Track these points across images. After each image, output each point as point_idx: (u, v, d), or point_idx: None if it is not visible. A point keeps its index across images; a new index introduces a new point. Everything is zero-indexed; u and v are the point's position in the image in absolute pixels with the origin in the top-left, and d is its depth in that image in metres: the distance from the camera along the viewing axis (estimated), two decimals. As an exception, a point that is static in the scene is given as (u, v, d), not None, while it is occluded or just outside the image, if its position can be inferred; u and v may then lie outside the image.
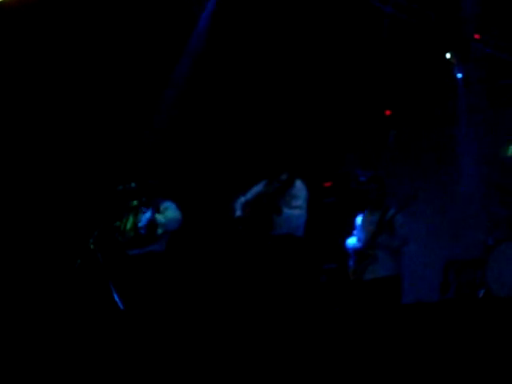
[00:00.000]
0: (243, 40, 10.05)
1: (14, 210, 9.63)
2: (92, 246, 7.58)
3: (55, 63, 9.77)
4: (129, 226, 8.11)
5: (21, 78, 9.68)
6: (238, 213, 7.89)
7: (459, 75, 10.13)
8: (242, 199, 7.98)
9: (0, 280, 8.92)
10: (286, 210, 7.63)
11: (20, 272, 9.30)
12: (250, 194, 8.00)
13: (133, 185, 8.17)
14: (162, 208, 8.17)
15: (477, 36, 9.70)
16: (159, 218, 8.05)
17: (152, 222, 7.98)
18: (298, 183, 7.85)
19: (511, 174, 7.77)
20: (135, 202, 8.23)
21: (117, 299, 7.60)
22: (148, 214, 8.04)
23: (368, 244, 8.38)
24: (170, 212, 8.17)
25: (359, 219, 8.75)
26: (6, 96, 9.65)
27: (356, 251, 8.50)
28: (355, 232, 8.74)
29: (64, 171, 10.00)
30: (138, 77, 10.10)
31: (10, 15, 9.10)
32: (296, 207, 7.69)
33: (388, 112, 10.73)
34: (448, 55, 9.92)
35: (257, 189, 8.01)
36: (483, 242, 8.46)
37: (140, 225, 8.03)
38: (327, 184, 10.72)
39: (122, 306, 7.58)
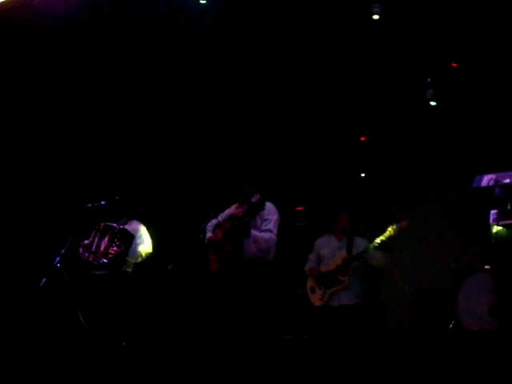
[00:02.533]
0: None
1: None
2: (58, 265, 7.49)
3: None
4: (102, 248, 8.07)
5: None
6: (209, 234, 7.84)
7: (433, 103, 10.14)
8: (214, 221, 7.94)
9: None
10: (256, 233, 7.58)
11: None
12: (221, 217, 7.96)
13: (102, 203, 8.12)
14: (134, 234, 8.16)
15: (454, 64, 9.74)
16: (130, 254, 8.06)
17: (122, 255, 7.97)
18: (269, 206, 7.82)
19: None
20: (114, 224, 8.19)
21: (81, 318, 7.52)
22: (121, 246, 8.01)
23: (339, 269, 8.35)
24: (142, 244, 8.18)
25: (321, 243, 8.70)
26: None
27: (325, 276, 8.44)
28: (313, 256, 8.68)
29: (33, 188, 9.91)
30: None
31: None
32: (267, 231, 7.64)
33: (363, 138, 10.74)
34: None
35: (228, 211, 7.97)
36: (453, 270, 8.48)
37: (109, 255, 7.99)
38: (299, 208, 10.70)
39: (86, 326, 7.50)
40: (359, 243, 8.37)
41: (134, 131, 10.35)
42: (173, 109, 10.30)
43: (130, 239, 8.15)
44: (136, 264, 8.31)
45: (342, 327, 8.27)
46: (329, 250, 8.58)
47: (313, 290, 8.54)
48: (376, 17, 9.01)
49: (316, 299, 8.48)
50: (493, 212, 7.67)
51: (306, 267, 8.71)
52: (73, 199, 9.20)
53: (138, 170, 10.17)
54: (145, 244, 8.27)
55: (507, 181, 7.55)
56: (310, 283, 8.58)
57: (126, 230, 8.19)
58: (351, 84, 10.15)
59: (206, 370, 6.83)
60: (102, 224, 8.25)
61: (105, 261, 8.00)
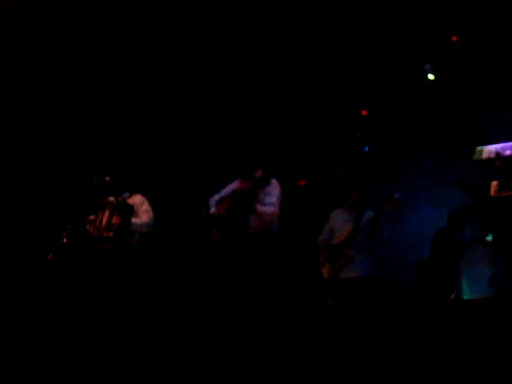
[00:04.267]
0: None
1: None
2: (65, 240, 7.54)
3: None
4: (104, 222, 8.08)
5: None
6: (213, 209, 7.89)
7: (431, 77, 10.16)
8: (216, 196, 7.99)
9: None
10: (260, 207, 7.64)
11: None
12: (224, 192, 8.01)
13: (107, 178, 8.15)
14: (134, 207, 8.18)
15: (454, 38, 9.74)
16: (135, 221, 8.08)
17: (125, 227, 8.00)
18: (273, 180, 7.87)
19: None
20: (112, 199, 8.22)
21: (89, 293, 7.57)
22: (121, 218, 8.04)
23: (345, 243, 8.42)
24: (144, 217, 8.20)
25: (333, 216, 8.77)
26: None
27: (332, 250, 8.52)
28: (327, 228, 8.75)
29: (37, 164, 9.94)
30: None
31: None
32: (269, 204, 7.70)
33: (364, 112, 10.74)
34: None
35: (231, 186, 8.02)
36: None
37: (114, 225, 8.02)
38: (301, 182, 10.73)
39: (93, 300, 7.56)
40: (367, 217, 8.44)
41: (135, 107, 10.38)
42: (175, 86, 10.32)
43: (130, 211, 8.14)
44: (140, 237, 8.32)
45: (348, 300, 8.36)
46: (338, 222, 8.65)
47: (323, 264, 8.63)
48: None
49: (325, 272, 8.57)
50: (494, 184, 7.75)
51: (319, 238, 8.78)
52: (78, 175, 9.23)
53: (142, 144, 10.19)
54: (147, 217, 8.28)
55: (508, 153, 7.62)
56: (321, 256, 8.67)
57: (124, 202, 8.19)
58: (352, 58, 10.17)
59: (211, 350, 6.90)
60: (103, 199, 8.27)
61: (110, 234, 8.02)
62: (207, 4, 9.40)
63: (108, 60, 9.98)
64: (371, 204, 8.69)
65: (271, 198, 7.76)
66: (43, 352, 6.41)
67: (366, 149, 10.81)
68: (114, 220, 8.01)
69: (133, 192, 8.46)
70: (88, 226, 8.17)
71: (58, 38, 9.57)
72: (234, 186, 8.03)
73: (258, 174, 7.92)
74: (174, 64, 10.16)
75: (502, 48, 9.55)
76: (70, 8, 9.10)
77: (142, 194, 8.48)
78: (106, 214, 8.09)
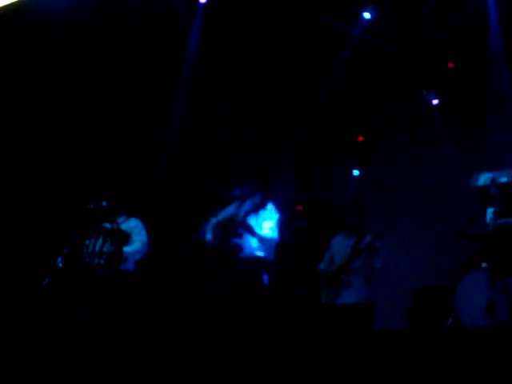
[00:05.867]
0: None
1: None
2: (60, 265, 7.53)
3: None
4: (97, 249, 8.08)
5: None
6: (209, 235, 7.88)
7: (435, 101, 10.19)
8: (213, 221, 7.98)
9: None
10: (258, 232, 7.63)
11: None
12: (221, 216, 8.00)
13: (104, 203, 8.14)
14: (128, 232, 8.16)
15: (450, 65, 9.78)
16: (126, 249, 8.07)
17: (116, 255, 7.99)
18: (270, 206, 7.86)
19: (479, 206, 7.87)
20: (107, 225, 8.21)
21: (84, 319, 7.55)
22: (113, 246, 8.04)
23: (342, 268, 8.41)
24: (137, 243, 8.18)
25: (333, 242, 8.77)
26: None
27: (329, 275, 8.52)
28: (328, 255, 8.76)
29: (35, 188, 9.94)
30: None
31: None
32: (267, 229, 7.69)
33: (361, 138, 10.76)
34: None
35: (228, 210, 8.01)
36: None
37: (105, 254, 8.01)
38: (298, 207, 10.73)
39: (88, 326, 7.53)
40: (366, 242, 8.43)
41: (133, 130, 10.39)
42: (173, 108, 10.35)
43: (124, 238, 8.14)
44: (136, 263, 8.32)
45: (343, 326, 8.34)
46: (337, 248, 8.66)
47: (322, 289, 8.62)
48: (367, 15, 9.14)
49: (323, 298, 8.56)
50: (490, 210, 7.74)
51: (318, 267, 8.78)
52: (75, 200, 9.23)
53: (140, 168, 10.21)
54: (141, 242, 8.27)
55: (504, 179, 7.62)
56: (321, 282, 8.66)
57: (118, 229, 8.18)
58: (350, 85, 10.23)
59: (206, 368, 6.87)
60: (97, 225, 8.27)
61: (101, 261, 8.02)
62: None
63: (110, 84, 10.01)
64: (370, 229, 8.69)
65: (270, 223, 7.76)
66: (39, 377, 6.39)
67: (357, 172, 10.82)
68: (106, 247, 8.01)
69: (130, 215, 8.46)
70: (83, 252, 8.16)
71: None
72: (231, 210, 8.02)
73: (256, 198, 7.92)
74: (168, 88, 10.19)
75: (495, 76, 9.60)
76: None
77: (139, 217, 8.48)
78: (100, 240, 8.09)
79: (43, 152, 10.04)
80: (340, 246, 8.68)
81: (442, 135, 10.14)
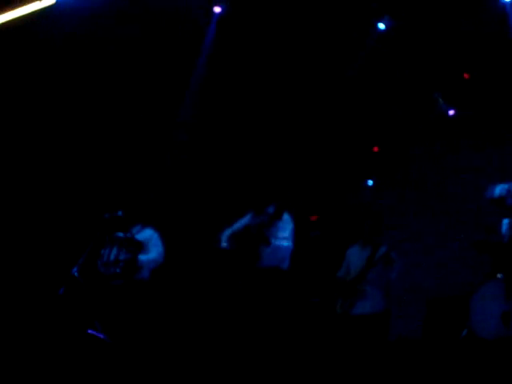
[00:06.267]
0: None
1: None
2: (76, 274, 7.56)
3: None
4: (112, 258, 8.11)
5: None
6: (224, 244, 7.90)
7: (451, 112, 10.18)
8: (229, 231, 8.00)
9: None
10: (273, 242, 7.64)
11: (4, 297, 9.25)
12: (236, 226, 8.01)
13: (119, 213, 8.18)
14: (144, 243, 8.19)
15: (466, 75, 9.77)
16: (142, 258, 8.09)
17: (132, 263, 8.02)
18: (285, 215, 7.87)
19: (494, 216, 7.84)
20: (121, 234, 8.24)
21: (99, 327, 7.57)
22: (128, 255, 8.06)
23: (357, 278, 8.41)
24: (152, 252, 8.21)
25: (349, 252, 8.77)
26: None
27: (345, 285, 8.51)
28: (344, 265, 8.76)
29: (52, 198, 9.99)
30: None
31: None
32: (282, 239, 7.71)
33: (376, 148, 10.76)
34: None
35: (243, 220, 8.03)
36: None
37: (120, 263, 8.04)
38: (313, 217, 10.72)
39: (104, 335, 7.55)
40: (381, 252, 8.42)
41: (150, 140, 10.43)
42: (190, 120, 10.39)
43: (138, 247, 8.18)
44: (152, 271, 8.33)
45: (358, 336, 8.32)
46: (353, 258, 8.65)
47: (337, 299, 8.61)
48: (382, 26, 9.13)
49: (339, 308, 8.55)
50: (506, 221, 7.72)
51: (337, 275, 8.78)
52: (91, 210, 9.27)
53: (156, 178, 10.23)
54: (157, 252, 8.30)
55: (520, 191, 7.61)
56: (336, 292, 8.65)
57: (132, 238, 8.21)
58: (365, 96, 10.22)
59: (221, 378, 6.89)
60: (111, 235, 8.30)
61: (116, 270, 8.05)
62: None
63: (120, 93, 10.05)
64: (385, 239, 8.69)
65: (285, 232, 7.78)
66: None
67: (371, 182, 10.80)
68: (122, 256, 8.04)
69: (145, 225, 8.49)
70: (98, 261, 8.20)
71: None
72: (246, 220, 8.04)
73: (271, 208, 7.94)
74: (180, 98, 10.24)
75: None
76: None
77: (154, 227, 8.50)
78: (114, 250, 8.12)
79: (61, 162, 10.09)
80: (355, 256, 8.67)
81: (458, 146, 10.12)
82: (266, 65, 9.98)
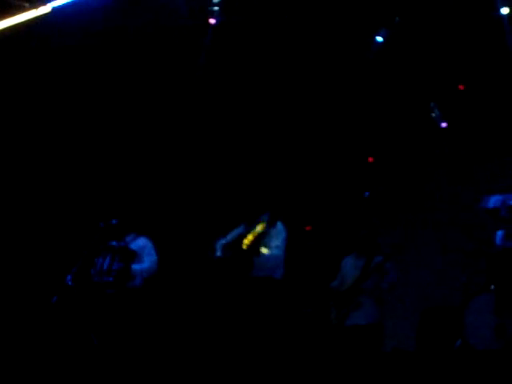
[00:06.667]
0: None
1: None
2: (70, 283, 7.55)
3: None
4: (105, 267, 8.10)
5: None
6: (218, 254, 7.89)
7: (444, 124, 10.19)
8: (222, 240, 7.99)
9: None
10: (265, 251, 7.64)
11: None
12: (230, 236, 8.01)
13: (113, 222, 8.17)
14: (138, 252, 8.18)
15: (461, 87, 9.79)
16: (135, 267, 8.09)
17: (125, 272, 8.00)
18: (279, 224, 7.88)
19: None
20: (115, 243, 8.23)
21: (93, 336, 7.55)
22: (122, 264, 8.05)
23: (352, 289, 8.40)
24: (146, 262, 8.20)
25: (344, 263, 8.77)
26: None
27: (339, 296, 8.51)
28: (339, 276, 8.76)
29: (45, 206, 9.97)
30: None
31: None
32: (274, 247, 7.71)
33: (371, 159, 10.75)
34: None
35: (237, 230, 8.03)
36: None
37: (113, 272, 8.02)
38: (308, 227, 10.71)
39: (97, 343, 7.54)
40: (376, 262, 8.42)
41: (143, 149, 10.43)
42: (184, 125, 10.39)
43: (132, 256, 8.17)
44: (146, 280, 8.32)
45: (352, 347, 8.31)
46: (348, 268, 8.65)
47: (332, 309, 8.60)
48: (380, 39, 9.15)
49: (333, 318, 8.54)
50: (499, 233, 7.73)
51: (331, 285, 8.77)
52: (85, 218, 9.26)
53: (149, 186, 10.23)
54: (150, 261, 8.29)
55: (513, 202, 7.62)
56: (330, 303, 8.64)
57: (125, 247, 8.20)
58: (359, 106, 10.22)
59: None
60: (105, 244, 8.29)
61: (109, 279, 8.04)
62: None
63: (118, 96, 10.06)
64: (380, 250, 8.68)
65: (277, 241, 7.77)
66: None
67: (367, 194, 10.79)
68: (115, 265, 8.03)
69: (139, 234, 8.48)
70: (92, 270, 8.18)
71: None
72: (239, 229, 8.04)
73: (263, 217, 7.95)
74: (183, 105, 10.23)
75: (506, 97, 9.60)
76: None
77: (148, 236, 8.49)
78: (108, 258, 8.11)
79: (56, 170, 10.08)
80: (350, 266, 8.67)
81: (453, 157, 10.13)
82: (260, 71, 10.00)
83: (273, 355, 7.47)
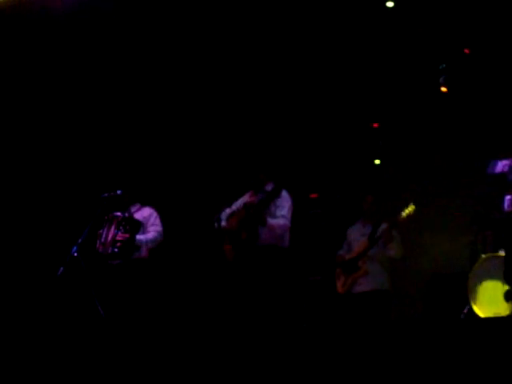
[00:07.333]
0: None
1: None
2: (75, 254, 7.54)
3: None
4: (110, 237, 8.08)
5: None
6: (224, 223, 7.87)
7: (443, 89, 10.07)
8: (228, 210, 7.97)
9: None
10: (270, 220, 7.62)
11: (4, 278, 9.25)
12: (235, 205, 7.99)
13: (118, 192, 8.15)
14: (142, 222, 8.16)
15: (466, 50, 9.68)
16: (140, 237, 8.06)
17: (130, 243, 7.98)
18: (284, 193, 7.86)
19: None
20: (119, 213, 8.21)
21: (99, 307, 7.56)
22: (126, 234, 8.02)
23: (359, 256, 8.41)
24: (151, 232, 8.17)
25: (350, 231, 8.76)
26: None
27: (346, 263, 8.51)
28: (345, 243, 8.75)
29: (49, 178, 9.96)
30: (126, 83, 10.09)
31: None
32: (280, 217, 7.69)
33: (375, 124, 10.67)
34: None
35: (242, 199, 8.01)
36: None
37: (118, 243, 8.00)
38: (313, 195, 10.67)
39: (104, 314, 7.54)
40: (381, 229, 8.41)
41: (146, 119, 10.38)
42: (186, 97, 10.32)
43: (136, 226, 8.14)
44: (151, 250, 8.30)
45: (360, 314, 8.33)
46: (354, 236, 8.66)
47: (338, 277, 8.61)
48: (390, 4, 9.01)
49: (340, 286, 8.55)
50: (507, 197, 7.67)
51: (337, 253, 8.77)
52: (89, 189, 9.24)
53: (154, 157, 10.20)
54: (155, 231, 8.26)
55: (522, 167, 7.55)
56: (337, 270, 8.65)
57: (130, 217, 8.18)
58: (363, 69, 10.13)
59: (221, 361, 6.87)
60: (110, 214, 8.27)
61: (114, 250, 8.02)
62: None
63: (122, 75, 9.99)
64: (386, 216, 8.65)
65: (282, 210, 7.77)
66: (53, 368, 6.41)
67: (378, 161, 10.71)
68: (119, 236, 8.01)
69: (143, 204, 8.46)
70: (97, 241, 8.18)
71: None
72: (244, 199, 8.02)
73: (269, 186, 7.92)
74: (187, 82, 10.15)
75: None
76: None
77: (153, 206, 8.48)
78: (112, 229, 8.10)
79: (59, 141, 10.06)
80: (356, 234, 8.70)
81: (459, 121, 10.03)
82: (264, 56, 9.94)
83: (279, 327, 7.47)
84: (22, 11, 8.98)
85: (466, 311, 7.82)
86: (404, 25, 9.54)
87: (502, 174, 7.63)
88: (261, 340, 6.99)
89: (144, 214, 8.34)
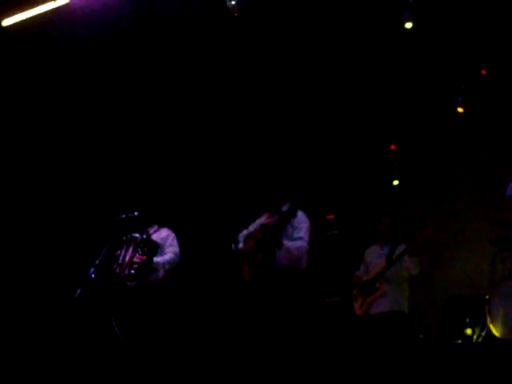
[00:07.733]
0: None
1: (14, 238, 9.64)
2: (93, 276, 7.55)
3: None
4: (127, 259, 8.09)
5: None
6: (241, 245, 7.86)
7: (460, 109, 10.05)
8: (245, 231, 7.96)
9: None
10: (288, 242, 7.59)
11: (21, 299, 9.29)
12: (252, 227, 7.98)
13: (136, 213, 8.16)
14: (160, 244, 8.17)
15: (483, 72, 9.67)
16: (157, 259, 8.07)
17: (147, 264, 7.98)
18: (300, 214, 7.83)
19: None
20: (137, 235, 8.23)
21: (116, 329, 7.56)
22: (144, 256, 8.03)
23: (376, 277, 8.39)
24: (168, 253, 8.18)
25: (368, 252, 8.76)
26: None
27: (364, 284, 8.50)
28: (363, 265, 8.75)
29: (67, 199, 10.01)
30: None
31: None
32: (298, 238, 7.66)
33: (393, 146, 10.67)
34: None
35: (259, 221, 7.99)
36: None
37: (135, 264, 8.00)
38: (330, 216, 10.66)
39: (120, 336, 7.54)
40: (399, 250, 8.38)
41: (165, 142, 10.42)
42: (205, 120, 10.36)
43: (154, 248, 8.15)
44: (168, 272, 8.30)
45: (377, 335, 8.29)
46: (371, 257, 8.65)
47: (355, 299, 8.60)
48: (409, 25, 9.01)
49: (357, 308, 8.54)
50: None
51: (354, 274, 8.77)
52: (108, 210, 9.26)
53: (171, 178, 10.23)
54: (173, 252, 8.27)
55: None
56: (354, 292, 8.65)
57: (148, 239, 8.19)
58: (382, 92, 10.14)
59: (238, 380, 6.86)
60: (128, 235, 8.29)
61: (131, 272, 8.03)
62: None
63: (141, 95, 10.05)
64: (404, 237, 8.62)
65: (300, 231, 7.71)
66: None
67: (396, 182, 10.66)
68: (136, 258, 8.02)
69: (161, 225, 8.48)
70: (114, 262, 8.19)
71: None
72: (261, 220, 8.00)
73: (285, 207, 7.90)
74: (206, 103, 10.18)
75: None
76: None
77: (171, 228, 8.48)
78: (130, 251, 8.12)
79: (78, 163, 10.11)
80: (373, 255, 8.69)
81: (477, 143, 10.02)
82: (285, 76, 9.94)
83: (296, 348, 7.44)
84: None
85: (484, 334, 7.77)
86: (422, 46, 9.52)
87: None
88: (278, 361, 6.98)
89: (161, 235, 8.34)
